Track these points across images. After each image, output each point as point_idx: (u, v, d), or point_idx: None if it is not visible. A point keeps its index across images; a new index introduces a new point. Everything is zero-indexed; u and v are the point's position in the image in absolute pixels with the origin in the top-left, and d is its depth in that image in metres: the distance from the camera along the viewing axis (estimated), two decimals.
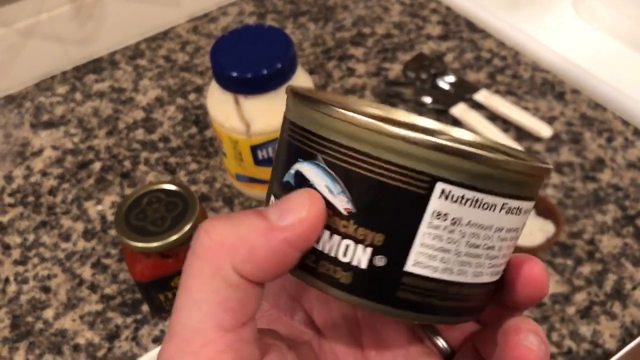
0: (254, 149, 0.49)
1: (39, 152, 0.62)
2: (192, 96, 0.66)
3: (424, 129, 0.22)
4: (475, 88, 0.62)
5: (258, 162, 0.51)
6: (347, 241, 0.17)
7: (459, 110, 0.60)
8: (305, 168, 0.18)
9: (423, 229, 0.16)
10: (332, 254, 0.17)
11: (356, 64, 0.68)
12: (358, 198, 0.17)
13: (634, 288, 0.47)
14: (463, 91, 0.62)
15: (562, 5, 0.85)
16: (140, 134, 0.63)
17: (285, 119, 0.20)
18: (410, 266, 0.17)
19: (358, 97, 0.24)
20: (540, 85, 0.63)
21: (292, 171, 0.18)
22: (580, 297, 0.47)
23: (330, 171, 0.17)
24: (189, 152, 0.60)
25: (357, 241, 0.17)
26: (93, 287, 0.51)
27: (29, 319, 0.49)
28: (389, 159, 0.16)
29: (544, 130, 0.58)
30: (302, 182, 0.18)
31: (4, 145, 0.63)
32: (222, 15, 0.75)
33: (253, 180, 0.53)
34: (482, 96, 0.61)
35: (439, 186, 0.16)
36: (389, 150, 0.16)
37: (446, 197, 0.16)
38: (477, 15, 0.71)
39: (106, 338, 0.48)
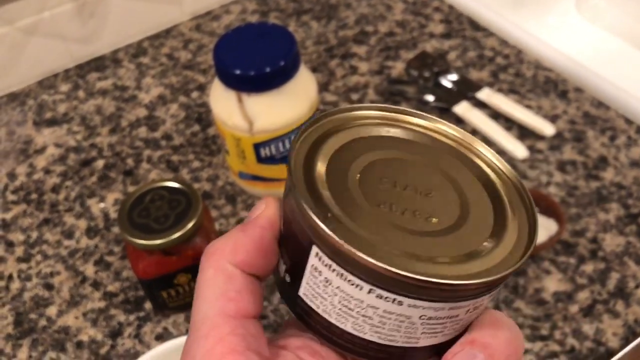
0: (257, 146, 0.49)
1: (42, 149, 0.62)
2: (194, 94, 0.66)
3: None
4: (478, 86, 0.62)
5: (261, 159, 0.51)
6: (281, 258, 0.22)
7: (462, 108, 0.60)
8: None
9: (307, 273, 0.20)
10: (278, 267, 0.22)
11: (359, 62, 0.68)
12: (284, 224, 0.21)
13: (637, 286, 0.47)
14: (466, 89, 0.62)
15: (565, 3, 0.84)
16: (143, 131, 0.63)
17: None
18: (301, 293, 0.21)
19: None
20: (543, 83, 0.63)
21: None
22: (583, 296, 0.47)
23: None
24: (191, 150, 0.60)
25: (282, 257, 0.22)
26: (96, 285, 0.51)
27: (33, 316, 0.49)
28: (293, 206, 0.20)
29: (547, 129, 0.58)
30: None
31: (7, 143, 0.63)
32: (225, 14, 0.75)
33: (256, 178, 0.53)
34: (485, 94, 0.61)
35: (315, 248, 0.19)
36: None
37: (319, 260, 0.19)
38: (480, 13, 0.71)
39: (109, 335, 0.48)
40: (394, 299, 0.19)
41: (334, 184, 0.21)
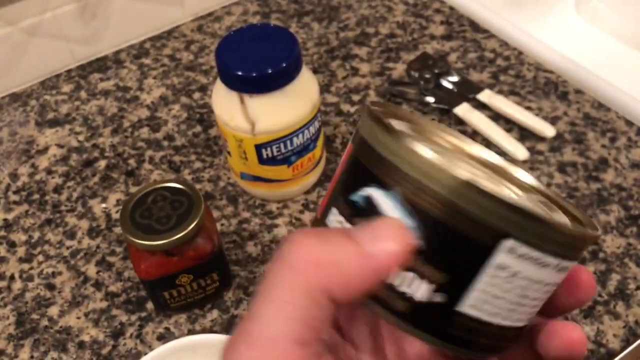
0: (259, 147, 0.50)
1: (44, 150, 0.62)
2: (196, 95, 0.66)
3: (494, 169, 0.24)
4: (478, 88, 0.62)
5: (262, 161, 0.51)
6: (411, 274, 0.18)
7: (462, 110, 0.60)
8: (379, 195, 0.18)
9: (484, 277, 0.18)
10: (396, 283, 0.18)
11: (360, 64, 0.68)
12: (429, 237, 0.18)
13: (638, 288, 0.47)
14: (466, 91, 0.62)
15: (565, 5, 0.85)
16: (144, 132, 0.63)
17: (359, 135, 0.20)
18: (465, 307, 0.18)
19: (432, 121, 0.24)
20: (544, 85, 0.63)
21: (362, 193, 0.19)
22: None
23: (405, 205, 0.18)
24: (193, 151, 0.61)
25: (422, 276, 0.18)
26: (98, 285, 0.51)
27: (34, 316, 0.49)
28: (465, 207, 0.17)
29: (548, 130, 0.58)
30: (373, 207, 0.18)
31: (9, 143, 0.63)
32: (227, 15, 0.75)
33: (257, 179, 0.53)
34: (486, 96, 0.61)
35: (507, 242, 0.17)
36: (465, 200, 0.17)
37: (511, 253, 0.17)
38: (481, 15, 0.71)
39: (111, 335, 0.48)
40: (567, 267, 0.19)
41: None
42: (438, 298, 0.18)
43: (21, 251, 0.54)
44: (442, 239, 0.17)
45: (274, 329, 0.17)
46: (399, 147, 0.18)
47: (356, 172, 0.19)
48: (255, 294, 0.18)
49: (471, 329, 0.18)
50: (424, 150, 0.17)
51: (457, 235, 0.17)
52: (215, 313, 0.48)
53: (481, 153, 0.25)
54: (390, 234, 0.17)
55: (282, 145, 0.50)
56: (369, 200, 0.19)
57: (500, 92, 0.63)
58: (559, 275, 0.19)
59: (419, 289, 0.18)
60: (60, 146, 0.62)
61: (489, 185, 0.17)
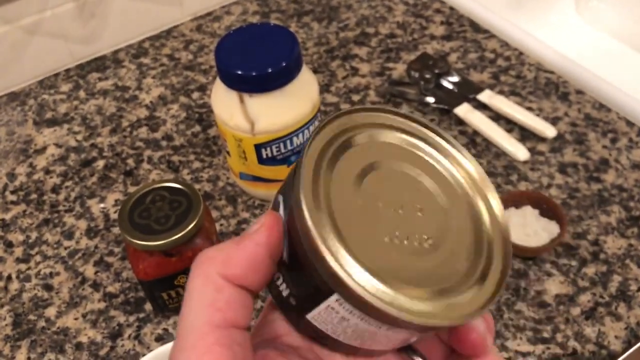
0: (258, 147, 0.49)
1: (42, 149, 0.62)
2: (195, 95, 0.66)
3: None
4: (479, 88, 0.62)
5: (262, 160, 0.50)
6: (280, 275, 0.22)
7: (463, 110, 0.60)
8: (281, 201, 0.23)
9: (322, 307, 0.21)
10: (274, 278, 0.23)
11: (360, 64, 0.68)
12: (290, 259, 0.22)
13: (639, 289, 0.47)
14: (467, 91, 0.62)
15: (565, 6, 0.84)
16: (143, 132, 0.63)
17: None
18: (309, 317, 0.22)
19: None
20: (544, 85, 0.63)
21: (277, 198, 0.23)
22: (585, 298, 0.47)
23: (285, 223, 0.22)
24: (192, 151, 0.60)
25: (284, 280, 0.22)
26: (96, 286, 0.51)
27: (31, 317, 0.49)
28: (316, 265, 0.20)
29: (548, 131, 0.58)
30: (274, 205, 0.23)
31: (7, 143, 0.63)
32: (226, 14, 0.75)
33: (257, 179, 0.53)
34: (486, 96, 0.61)
35: (336, 296, 0.20)
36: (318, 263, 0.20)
37: (340, 304, 0.20)
38: (481, 15, 0.71)
39: (109, 336, 0.47)
40: (397, 331, 0.21)
41: (342, 215, 0.21)
42: (292, 301, 0.22)
43: (18, 251, 0.54)
44: (297, 268, 0.21)
45: (190, 317, 0.20)
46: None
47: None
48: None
49: (317, 333, 0.22)
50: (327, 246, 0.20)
51: (307, 273, 0.21)
52: None
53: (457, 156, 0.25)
54: (260, 220, 0.21)
55: (281, 145, 0.49)
56: (275, 199, 0.23)
57: (500, 92, 0.63)
58: (404, 332, 0.21)
59: (283, 289, 0.22)
60: (58, 146, 0.62)
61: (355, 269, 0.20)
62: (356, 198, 0.22)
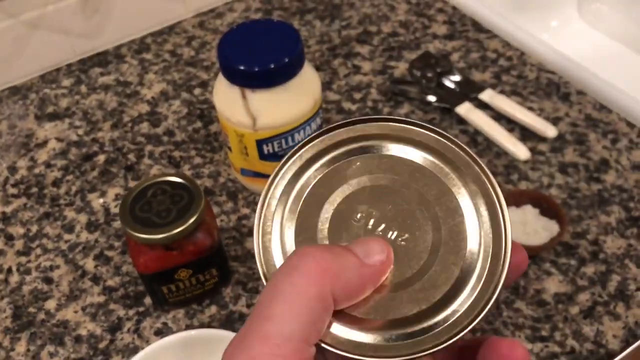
0: (260, 143, 0.49)
1: (44, 143, 0.62)
2: (197, 91, 0.66)
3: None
4: (480, 87, 0.62)
5: (263, 156, 0.51)
6: None
7: (464, 109, 0.60)
8: None
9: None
10: None
11: (362, 62, 0.68)
12: None
13: (638, 289, 0.47)
14: (468, 90, 0.62)
15: (567, 7, 0.85)
16: (144, 127, 0.63)
17: None
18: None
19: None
20: (546, 85, 0.63)
21: None
22: (583, 297, 0.47)
23: None
24: (193, 146, 0.60)
25: None
26: (95, 279, 0.51)
27: (31, 309, 0.49)
28: None
29: (549, 131, 0.58)
30: None
31: (8, 136, 0.63)
32: (229, 11, 0.75)
33: (258, 174, 0.53)
34: (488, 96, 0.61)
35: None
36: None
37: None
38: (483, 15, 0.71)
39: (108, 330, 0.47)
40: None
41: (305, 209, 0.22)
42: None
43: (19, 244, 0.54)
44: None
45: (289, 328, 0.19)
46: None
47: None
48: (263, 297, 0.20)
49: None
50: None
51: None
52: (213, 309, 0.48)
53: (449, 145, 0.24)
54: (378, 248, 0.21)
55: (283, 141, 0.50)
56: None
57: (502, 92, 0.63)
58: None
59: None
60: (59, 140, 0.62)
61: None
62: (340, 202, 0.22)
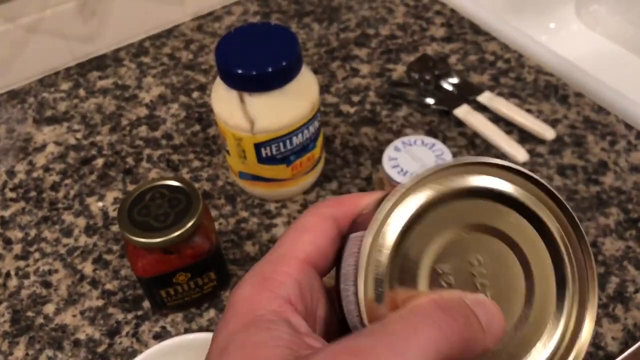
0: (258, 146, 0.49)
1: (42, 147, 0.62)
2: (195, 94, 0.66)
3: None
4: (478, 90, 0.62)
5: (261, 160, 0.51)
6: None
7: (462, 111, 0.60)
8: None
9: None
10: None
11: (360, 65, 0.68)
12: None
13: (637, 291, 0.47)
14: (466, 93, 0.62)
15: (565, 9, 0.85)
16: (143, 131, 0.63)
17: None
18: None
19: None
20: (544, 88, 0.63)
21: None
22: None
23: None
24: (191, 150, 0.60)
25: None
26: (94, 283, 0.51)
27: (30, 313, 0.49)
28: None
29: (547, 133, 0.58)
30: None
31: (6, 140, 0.63)
32: (227, 14, 0.75)
33: (256, 178, 0.53)
34: (486, 98, 0.61)
35: None
36: None
37: None
38: (481, 17, 0.71)
39: (107, 334, 0.47)
40: None
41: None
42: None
43: (17, 248, 0.54)
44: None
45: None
46: None
47: None
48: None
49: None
50: None
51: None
52: (212, 312, 0.48)
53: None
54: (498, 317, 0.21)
55: (281, 145, 0.50)
56: None
57: (500, 94, 0.63)
58: None
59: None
60: (58, 144, 0.62)
61: None
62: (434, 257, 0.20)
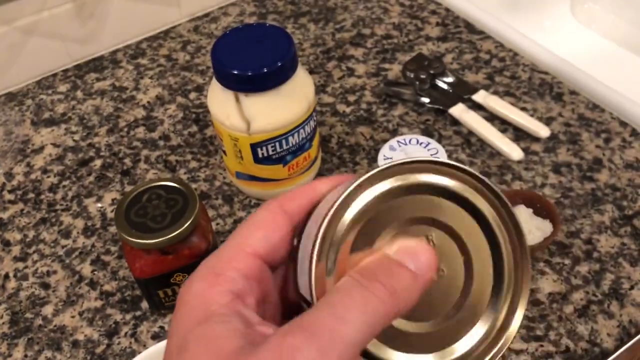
0: (254, 147, 0.50)
1: (40, 149, 0.62)
2: (192, 95, 0.66)
3: None
4: (473, 88, 0.63)
5: (258, 160, 0.51)
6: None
7: (458, 110, 0.61)
8: None
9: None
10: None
11: (356, 64, 0.68)
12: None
13: (632, 287, 0.48)
14: (462, 91, 0.62)
15: (560, 7, 0.85)
16: (140, 132, 0.63)
17: None
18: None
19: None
20: (539, 86, 0.64)
21: None
22: (577, 296, 0.47)
23: None
24: (189, 150, 0.61)
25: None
26: (92, 284, 0.51)
27: (28, 315, 0.49)
28: None
29: (542, 131, 0.58)
30: None
31: (4, 142, 0.63)
32: (223, 15, 0.76)
33: (253, 178, 0.53)
34: (481, 96, 0.62)
35: None
36: None
37: None
38: (476, 16, 0.72)
39: (105, 334, 0.48)
40: None
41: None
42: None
43: (16, 250, 0.54)
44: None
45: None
46: None
47: None
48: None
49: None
50: None
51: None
52: None
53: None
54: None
55: (277, 145, 0.50)
56: None
57: (495, 92, 0.63)
58: None
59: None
60: (55, 145, 0.62)
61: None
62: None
